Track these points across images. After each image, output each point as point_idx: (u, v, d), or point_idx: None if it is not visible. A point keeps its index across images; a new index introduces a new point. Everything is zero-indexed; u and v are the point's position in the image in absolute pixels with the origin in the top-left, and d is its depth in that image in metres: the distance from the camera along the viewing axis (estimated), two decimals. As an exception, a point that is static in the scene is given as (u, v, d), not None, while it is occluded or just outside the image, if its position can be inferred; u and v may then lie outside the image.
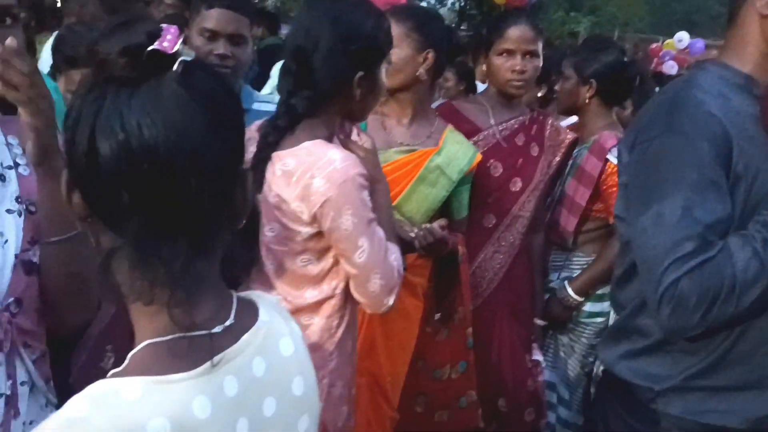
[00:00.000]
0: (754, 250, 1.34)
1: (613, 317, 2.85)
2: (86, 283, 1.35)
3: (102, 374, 1.70)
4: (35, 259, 1.35)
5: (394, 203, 2.18)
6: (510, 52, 2.45)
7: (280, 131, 1.65)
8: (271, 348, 0.90)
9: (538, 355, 2.68)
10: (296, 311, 1.67)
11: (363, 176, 1.60)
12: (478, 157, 2.35)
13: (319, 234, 1.62)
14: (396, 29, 2.17)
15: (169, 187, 0.76)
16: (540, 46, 2.49)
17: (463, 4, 19.71)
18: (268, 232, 1.66)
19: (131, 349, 0.81)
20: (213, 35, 2.13)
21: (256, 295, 0.96)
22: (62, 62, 2.30)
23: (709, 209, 1.38)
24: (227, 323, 0.85)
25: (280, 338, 0.93)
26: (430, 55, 2.22)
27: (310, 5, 1.71)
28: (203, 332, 0.81)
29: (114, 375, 0.78)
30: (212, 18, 2.13)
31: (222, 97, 0.83)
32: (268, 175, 1.63)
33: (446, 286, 2.32)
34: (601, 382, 1.77)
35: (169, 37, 0.78)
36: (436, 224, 2.09)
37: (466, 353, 2.39)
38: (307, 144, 1.61)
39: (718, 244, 1.37)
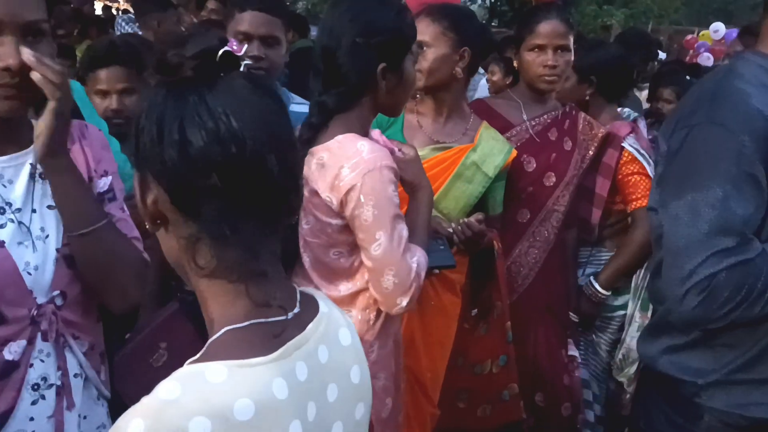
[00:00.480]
0: None
1: (631, 308, 2.90)
2: (116, 272, 1.42)
3: (150, 370, 1.75)
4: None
5: None
6: (541, 47, 2.46)
7: (314, 128, 1.70)
8: (332, 337, 0.97)
9: (573, 351, 2.68)
10: None
11: (391, 170, 1.62)
12: (514, 153, 2.36)
13: (348, 227, 1.65)
14: (432, 28, 2.21)
15: (253, 166, 0.85)
16: (571, 41, 2.49)
17: (493, 0, 19.61)
18: (304, 225, 1.70)
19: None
20: (246, 37, 2.16)
21: (310, 290, 1.02)
22: (89, 63, 2.38)
23: (745, 204, 1.37)
24: (295, 311, 0.92)
25: (339, 328, 0.99)
26: (467, 53, 2.25)
27: (332, 5, 1.74)
28: (277, 319, 0.88)
29: (194, 361, 0.83)
30: (245, 21, 2.17)
31: (277, 91, 0.94)
32: (306, 171, 1.67)
33: (483, 282, 2.33)
34: (643, 378, 1.76)
35: (236, 43, 0.90)
36: (473, 218, 2.11)
37: (505, 347, 2.40)
38: (339, 137, 1.64)
39: (757, 244, 1.37)
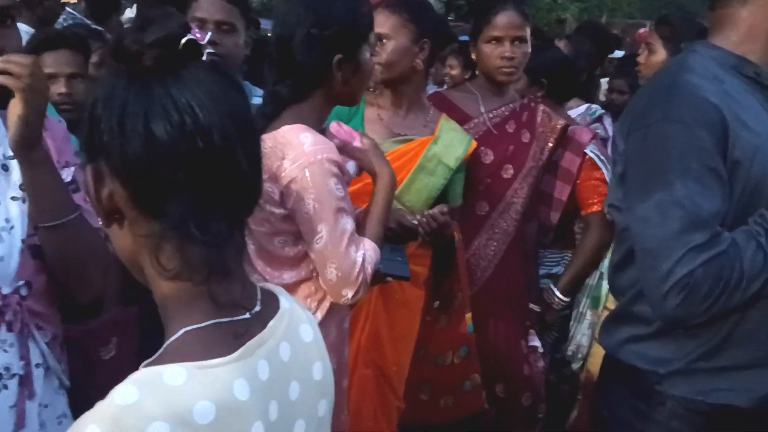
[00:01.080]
0: (758, 243, 1.37)
1: (582, 305, 3.02)
2: (85, 263, 1.41)
3: (98, 361, 1.73)
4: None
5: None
6: (498, 39, 2.46)
7: (266, 118, 1.68)
8: (293, 334, 0.94)
9: (535, 341, 2.70)
10: None
11: (333, 163, 1.60)
12: (474, 144, 2.37)
13: (291, 217, 1.64)
14: (392, 20, 2.20)
15: (222, 161, 0.82)
16: (528, 32, 2.50)
17: (450, -6, 19.65)
18: None
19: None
20: (202, 23, 2.13)
21: (270, 286, 1.00)
22: (36, 46, 2.31)
23: (712, 198, 1.39)
24: (256, 309, 0.89)
25: (300, 325, 0.97)
26: (427, 45, 2.25)
27: None
28: (238, 318, 0.85)
29: (151, 363, 0.80)
30: (201, 6, 2.15)
31: (240, 82, 0.91)
32: None
33: (444, 273, 2.34)
34: (604, 368, 1.78)
35: (198, 31, 0.86)
36: (436, 210, 2.11)
37: (467, 338, 2.41)
38: (285, 127, 1.62)
39: (726, 236, 1.38)
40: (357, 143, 1.77)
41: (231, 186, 0.84)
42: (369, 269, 1.65)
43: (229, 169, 0.83)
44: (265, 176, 1.58)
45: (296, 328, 0.96)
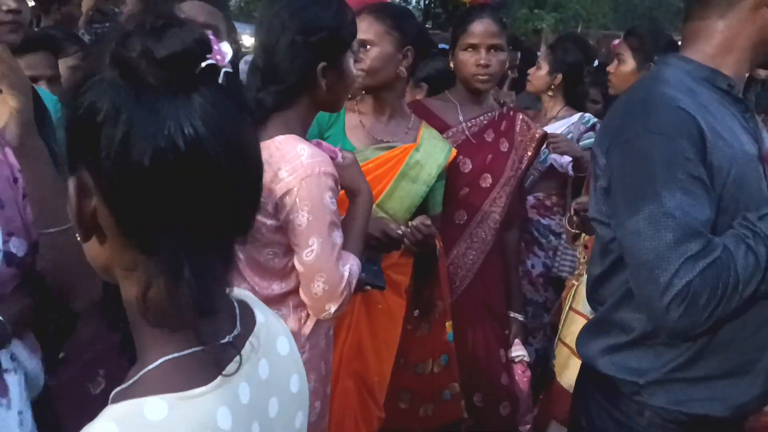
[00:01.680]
0: (747, 246, 1.38)
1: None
2: (83, 268, 1.38)
3: (88, 398, 1.68)
4: (15, 251, 1.36)
5: (377, 201, 2.20)
6: (474, 47, 2.47)
7: None
8: (271, 349, 0.92)
9: (520, 350, 2.69)
10: (265, 302, 1.67)
11: (330, 176, 1.60)
12: (454, 152, 2.38)
13: (282, 228, 1.63)
14: (376, 27, 2.20)
15: (223, 199, 0.76)
16: (504, 40, 2.51)
17: (427, 2, 19.78)
18: None
19: (124, 377, 0.78)
20: None
21: (243, 293, 0.95)
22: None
23: (701, 207, 1.39)
24: (236, 332, 0.84)
25: (277, 338, 0.95)
26: (410, 53, 2.25)
27: (270, 1, 1.71)
28: (218, 344, 0.80)
29: (127, 391, 0.75)
30: (184, 10, 2.12)
31: (249, 109, 0.84)
32: None
33: (424, 282, 2.34)
34: (581, 376, 1.79)
35: (220, 51, 0.77)
36: (419, 221, 2.11)
37: (447, 346, 2.41)
38: (279, 138, 1.61)
39: (717, 242, 1.39)
40: (339, 159, 1.76)
41: (230, 225, 0.80)
42: (353, 283, 1.65)
43: (230, 209, 0.78)
44: None
45: (273, 342, 0.93)
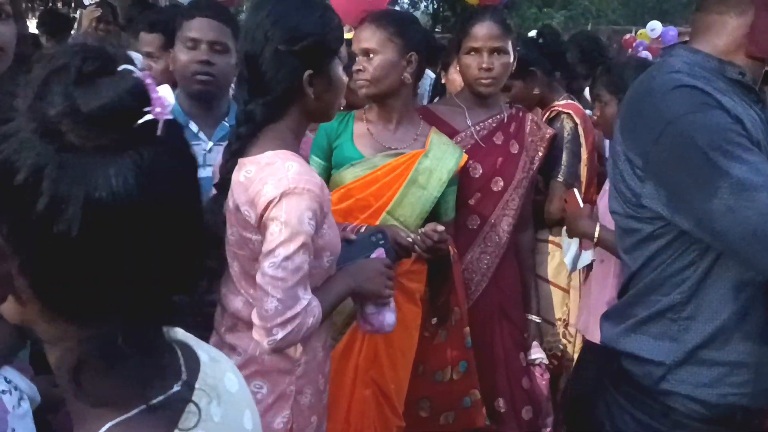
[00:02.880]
0: None
1: None
2: None
3: None
4: None
5: (387, 208, 2.20)
6: (477, 50, 2.44)
7: (242, 139, 1.64)
8: (220, 389, 0.84)
9: (538, 353, 2.66)
10: None
11: (313, 196, 1.53)
12: (465, 157, 2.36)
13: None
14: (378, 35, 2.19)
15: (158, 258, 0.68)
16: (509, 43, 2.47)
17: (436, 6, 19.77)
18: (230, 236, 1.64)
19: None
20: (195, 43, 2.14)
21: (181, 335, 0.86)
22: None
23: (763, 161, 1.38)
24: (183, 378, 0.77)
25: (225, 375, 0.88)
26: (414, 58, 2.23)
27: (253, 8, 1.68)
28: (167, 395, 0.73)
29: None
30: (194, 27, 2.15)
31: (190, 154, 0.75)
32: (233, 181, 1.62)
33: (440, 288, 2.31)
34: (601, 378, 1.75)
35: (159, 100, 0.67)
36: (428, 227, 2.09)
37: (465, 353, 2.39)
38: (269, 153, 1.58)
39: None
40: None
41: (169, 287, 0.71)
42: (309, 321, 1.55)
43: (168, 272, 0.70)
44: (244, 202, 1.57)
45: (221, 380, 0.86)
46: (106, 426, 0.68)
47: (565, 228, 2.61)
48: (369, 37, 2.19)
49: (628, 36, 11.04)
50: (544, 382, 2.67)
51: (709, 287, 1.52)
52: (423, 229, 2.09)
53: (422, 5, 20.64)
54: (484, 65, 2.43)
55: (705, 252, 1.50)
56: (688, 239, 1.50)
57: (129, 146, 0.64)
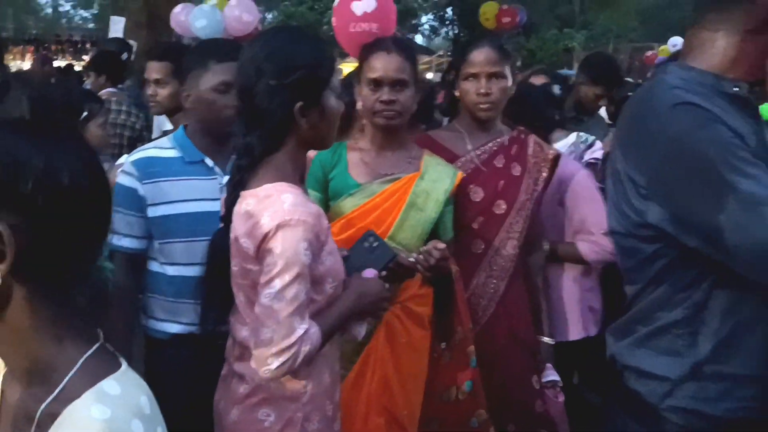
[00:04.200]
0: None
1: None
2: None
3: None
4: None
5: (388, 233, 2.21)
6: (475, 76, 2.48)
7: (242, 171, 1.68)
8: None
9: (552, 375, 2.63)
10: None
11: (309, 227, 1.57)
12: (460, 175, 2.37)
13: None
14: (408, 66, 2.26)
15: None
16: (506, 68, 2.50)
17: (457, 32, 19.90)
18: (234, 267, 1.68)
19: None
20: (226, 87, 2.13)
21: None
22: None
23: (766, 172, 1.39)
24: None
25: (140, 398, 0.94)
26: (419, 85, 2.29)
27: (247, 45, 1.73)
28: (101, 342, 0.94)
29: (69, 397, 0.86)
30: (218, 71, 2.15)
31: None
32: (234, 213, 1.66)
33: (446, 310, 2.31)
34: (608, 398, 1.75)
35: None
36: (430, 245, 2.10)
37: (470, 373, 2.35)
38: (267, 186, 1.62)
39: None
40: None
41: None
42: (305, 349, 1.57)
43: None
44: (243, 234, 1.61)
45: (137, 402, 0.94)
46: (83, 358, 0.89)
47: None
48: (401, 68, 2.23)
49: (650, 53, 11.00)
50: (559, 404, 2.64)
51: (712, 303, 1.52)
52: (424, 248, 2.11)
53: (443, 31, 20.79)
54: (482, 90, 2.46)
55: (707, 269, 1.49)
56: (690, 258, 1.49)
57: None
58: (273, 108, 1.63)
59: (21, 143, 0.86)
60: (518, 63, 12.12)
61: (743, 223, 1.36)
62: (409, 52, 2.30)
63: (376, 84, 2.25)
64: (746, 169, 1.38)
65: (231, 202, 1.70)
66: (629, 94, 3.46)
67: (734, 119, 1.46)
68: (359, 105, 2.32)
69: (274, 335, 1.55)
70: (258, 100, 1.64)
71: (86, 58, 15.15)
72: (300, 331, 1.56)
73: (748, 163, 1.39)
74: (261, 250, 1.57)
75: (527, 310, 2.63)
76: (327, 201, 2.31)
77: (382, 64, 2.24)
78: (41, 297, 0.88)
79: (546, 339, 2.70)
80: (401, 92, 2.24)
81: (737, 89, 1.51)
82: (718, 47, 1.53)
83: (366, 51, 2.33)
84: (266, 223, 1.56)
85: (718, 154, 1.40)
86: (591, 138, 3.23)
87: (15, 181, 0.84)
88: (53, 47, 22.35)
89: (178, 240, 2.14)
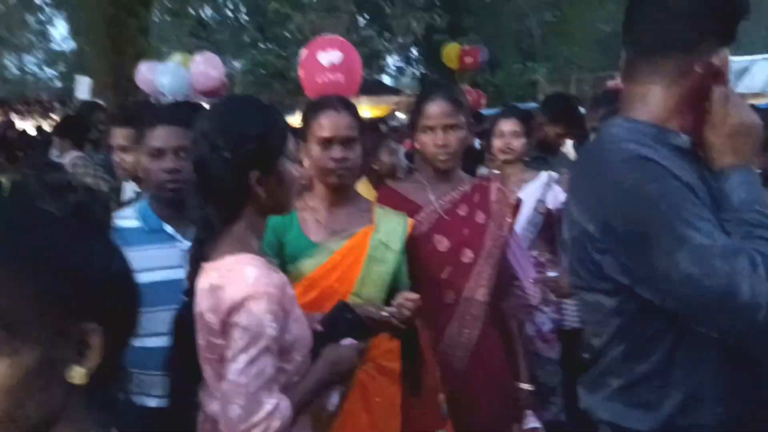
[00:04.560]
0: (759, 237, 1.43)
1: None
2: None
3: None
4: None
5: (353, 290, 2.19)
6: (431, 128, 2.49)
7: (202, 244, 1.67)
8: None
9: (533, 422, 2.58)
10: None
11: (273, 299, 1.55)
12: (410, 222, 2.38)
13: None
14: (345, 120, 2.25)
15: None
16: (461, 118, 2.51)
17: (423, 71, 20.15)
18: (200, 341, 1.65)
19: None
20: (160, 152, 2.16)
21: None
22: None
23: (718, 228, 1.42)
24: None
25: None
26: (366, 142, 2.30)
27: (200, 118, 1.72)
28: None
29: None
30: (158, 137, 2.16)
31: None
32: (197, 287, 1.64)
33: (410, 358, 2.29)
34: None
35: None
36: (401, 299, 2.09)
37: (441, 422, 2.32)
38: (229, 258, 1.61)
39: (745, 246, 1.40)
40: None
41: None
42: (275, 424, 1.53)
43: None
44: (207, 309, 1.58)
45: None
46: None
47: None
48: (350, 126, 2.25)
49: (611, 82, 11.19)
50: None
51: (679, 355, 1.51)
52: (397, 301, 2.09)
53: (409, 71, 21.03)
54: (439, 142, 2.48)
55: (671, 321, 1.49)
56: (652, 310, 1.48)
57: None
58: (228, 179, 1.63)
59: (98, 247, 0.88)
60: (483, 101, 12.28)
61: (695, 276, 1.37)
62: (354, 109, 2.32)
63: (327, 142, 2.24)
64: (697, 223, 1.39)
65: (193, 275, 1.68)
66: (595, 125, 3.56)
67: (682, 170, 1.47)
68: (306, 164, 2.30)
69: (242, 411, 1.51)
70: (213, 172, 1.63)
71: (55, 116, 15.34)
72: (269, 407, 1.52)
73: (699, 218, 1.40)
74: (226, 325, 1.54)
75: (503, 357, 2.59)
76: (283, 264, 2.25)
77: (332, 123, 2.24)
78: (89, 398, 0.86)
79: (524, 385, 2.65)
80: (351, 149, 2.25)
81: (682, 141, 1.53)
82: (656, 99, 1.55)
83: (312, 110, 2.32)
84: (230, 297, 1.53)
85: (671, 207, 1.40)
86: (555, 175, 3.27)
87: (100, 287, 0.86)
88: (21, 108, 22.27)
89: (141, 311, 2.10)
